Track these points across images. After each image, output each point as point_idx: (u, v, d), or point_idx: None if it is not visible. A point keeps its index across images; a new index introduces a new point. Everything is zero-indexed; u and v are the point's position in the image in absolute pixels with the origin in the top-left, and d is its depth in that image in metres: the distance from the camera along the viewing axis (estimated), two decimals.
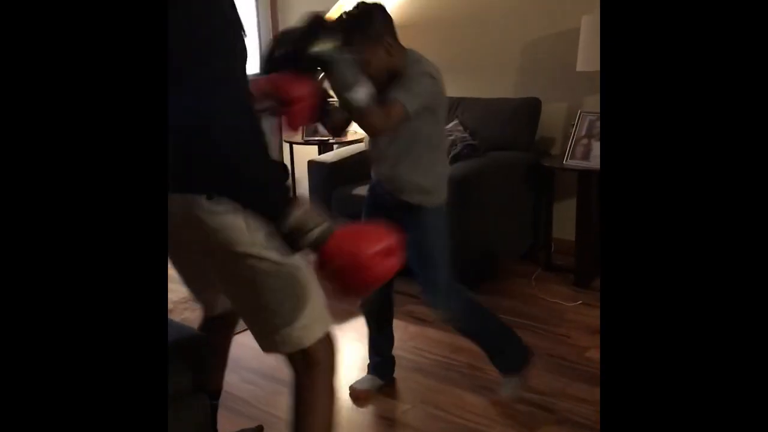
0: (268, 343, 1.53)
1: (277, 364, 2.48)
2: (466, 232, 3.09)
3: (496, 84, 3.76)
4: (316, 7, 1.95)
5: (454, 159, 3.28)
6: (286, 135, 4.44)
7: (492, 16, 3.75)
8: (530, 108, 3.49)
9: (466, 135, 3.37)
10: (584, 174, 3.13)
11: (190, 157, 1.37)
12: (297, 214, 1.36)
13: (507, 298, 3.11)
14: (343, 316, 2.96)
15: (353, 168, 3.52)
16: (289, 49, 1.69)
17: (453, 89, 3.87)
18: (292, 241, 1.37)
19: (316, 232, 1.35)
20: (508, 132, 3.45)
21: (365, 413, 2.24)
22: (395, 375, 2.43)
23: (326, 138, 4.16)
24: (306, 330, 1.52)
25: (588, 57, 3.11)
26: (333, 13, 2.46)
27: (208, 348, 1.83)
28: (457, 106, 3.66)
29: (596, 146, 3.11)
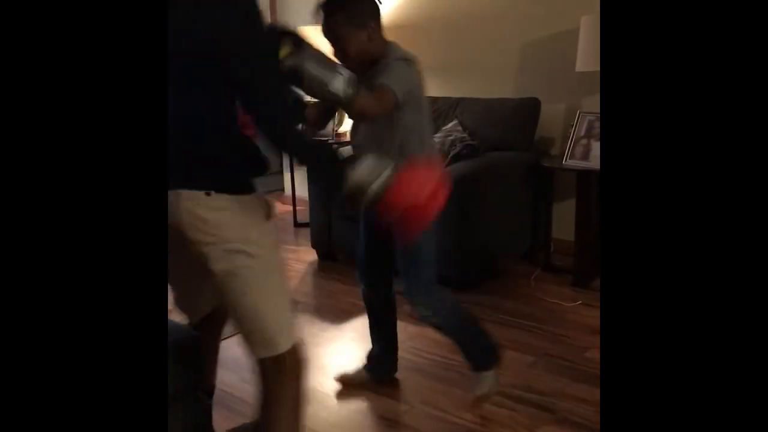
0: (252, 344, 1.53)
1: None
2: (465, 232, 3.09)
3: (495, 84, 3.77)
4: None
5: (454, 159, 3.28)
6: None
7: (491, 17, 3.75)
8: (529, 108, 3.49)
9: (465, 135, 3.37)
10: (583, 174, 3.13)
11: (190, 153, 1.37)
12: (355, 175, 1.47)
13: (506, 298, 3.11)
14: (342, 317, 2.96)
15: None
16: None
17: (452, 89, 3.90)
18: (354, 199, 1.46)
19: (374, 188, 1.48)
20: (507, 132, 3.45)
21: (365, 413, 2.24)
22: (398, 375, 2.43)
23: (326, 138, 4.16)
24: (284, 334, 1.53)
25: (587, 57, 3.11)
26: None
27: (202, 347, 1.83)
28: (456, 106, 3.67)
29: (595, 146, 3.12)
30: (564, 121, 3.54)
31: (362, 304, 2.34)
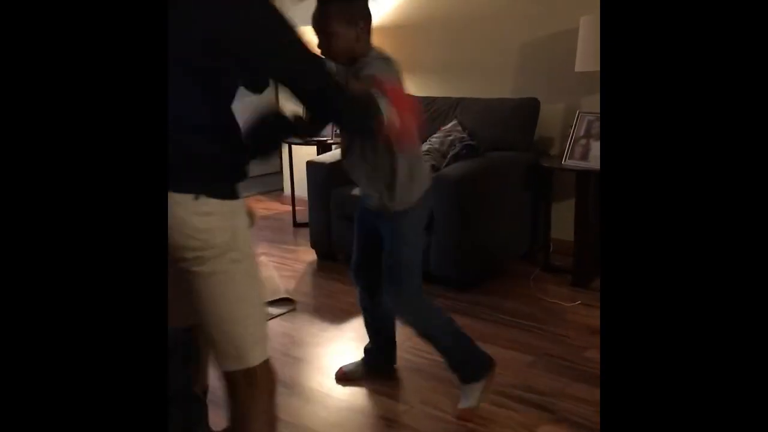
0: (223, 356, 1.48)
1: (276, 365, 2.48)
2: (465, 232, 3.10)
3: (494, 84, 3.77)
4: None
5: (453, 159, 3.28)
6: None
7: (491, 17, 3.75)
8: (529, 108, 3.49)
9: (464, 135, 3.37)
10: (583, 174, 3.13)
11: (180, 156, 1.36)
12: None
13: (506, 298, 3.11)
14: (342, 317, 2.96)
15: None
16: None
17: (452, 89, 3.91)
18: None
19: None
20: (506, 132, 3.45)
21: (364, 413, 2.24)
22: (396, 375, 2.43)
23: (325, 138, 4.16)
24: (257, 347, 1.48)
25: (587, 57, 3.11)
26: None
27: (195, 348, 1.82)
28: (456, 106, 3.67)
29: (595, 146, 3.12)
30: (563, 121, 3.54)
31: None
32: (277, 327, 2.88)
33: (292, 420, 2.16)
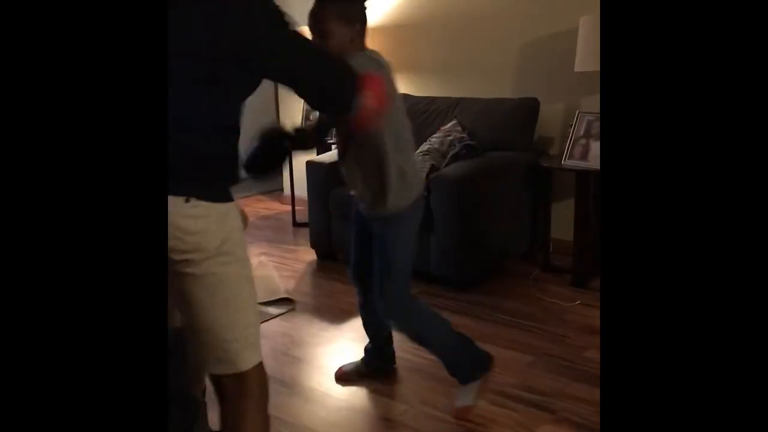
0: (212, 360, 1.46)
1: (275, 365, 2.49)
2: (464, 232, 3.10)
3: (494, 84, 3.77)
4: None
5: (453, 159, 3.28)
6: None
7: (491, 17, 3.75)
8: (528, 108, 3.49)
9: (464, 135, 3.37)
10: (582, 174, 3.13)
11: (174, 158, 1.35)
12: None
13: (505, 298, 3.11)
14: (342, 316, 2.96)
15: None
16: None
17: (451, 89, 3.91)
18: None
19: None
20: (506, 132, 3.45)
21: (364, 413, 2.24)
22: (395, 375, 2.43)
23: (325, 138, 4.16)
24: (247, 351, 1.45)
25: (586, 57, 3.11)
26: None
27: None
28: (455, 106, 3.67)
29: (594, 146, 3.12)
30: (563, 121, 3.54)
31: None
32: (276, 327, 2.88)
33: (292, 419, 2.16)
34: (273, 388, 2.37)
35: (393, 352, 2.45)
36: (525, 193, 3.47)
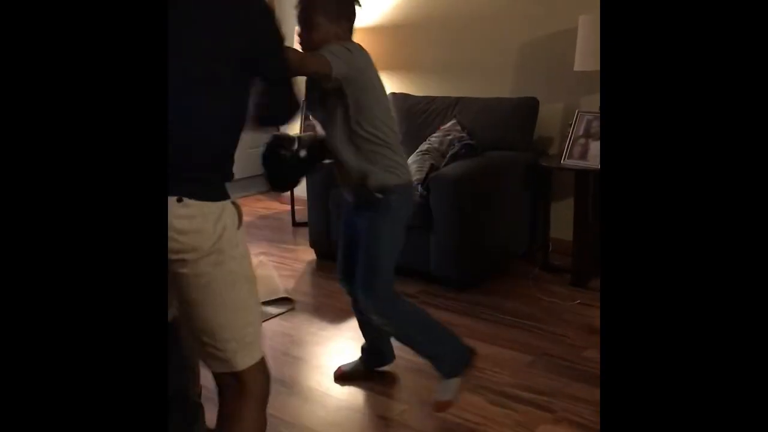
0: (210, 358, 1.45)
1: (275, 364, 2.49)
2: (464, 232, 3.09)
3: (493, 84, 3.77)
4: None
5: (452, 158, 3.28)
6: None
7: (490, 16, 3.75)
8: (528, 108, 3.49)
9: (463, 134, 3.37)
10: (582, 174, 3.13)
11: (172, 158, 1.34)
12: None
13: (505, 297, 3.11)
14: (341, 316, 2.96)
15: None
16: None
17: (451, 89, 3.90)
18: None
19: None
20: (505, 132, 3.45)
21: (363, 413, 2.24)
22: (395, 375, 2.43)
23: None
24: (246, 351, 1.44)
25: (586, 57, 3.11)
26: None
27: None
28: (455, 105, 3.67)
29: (593, 146, 3.12)
30: (562, 121, 3.54)
31: None
32: (276, 326, 2.88)
33: (291, 419, 2.16)
34: (272, 388, 2.37)
35: (391, 348, 2.44)
36: (524, 192, 3.47)
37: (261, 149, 1.92)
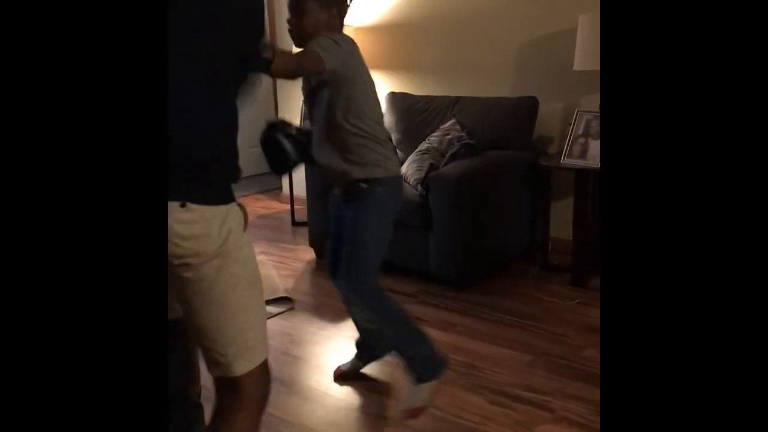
0: (209, 361, 1.44)
1: (274, 364, 2.48)
2: (463, 231, 3.09)
3: (493, 83, 3.77)
4: None
5: (452, 158, 3.28)
6: None
7: (489, 16, 3.75)
8: (527, 107, 3.49)
9: (463, 134, 3.37)
10: (581, 173, 3.13)
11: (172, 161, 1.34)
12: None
13: (504, 297, 3.11)
14: (341, 315, 2.96)
15: None
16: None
17: (450, 88, 3.91)
18: None
19: None
20: (505, 131, 3.45)
21: (363, 412, 2.24)
22: (395, 374, 2.43)
23: None
24: (246, 355, 1.42)
25: (585, 56, 3.11)
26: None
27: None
28: (454, 105, 3.67)
29: (593, 145, 3.12)
30: (562, 120, 3.54)
31: None
32: (275, 326, 2.88)
33: (291, 418, 2.16)
34: (272, 387, 2.38)
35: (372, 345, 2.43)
36: (524, 192, 3.47)
37: (260, 134, 1.91)
